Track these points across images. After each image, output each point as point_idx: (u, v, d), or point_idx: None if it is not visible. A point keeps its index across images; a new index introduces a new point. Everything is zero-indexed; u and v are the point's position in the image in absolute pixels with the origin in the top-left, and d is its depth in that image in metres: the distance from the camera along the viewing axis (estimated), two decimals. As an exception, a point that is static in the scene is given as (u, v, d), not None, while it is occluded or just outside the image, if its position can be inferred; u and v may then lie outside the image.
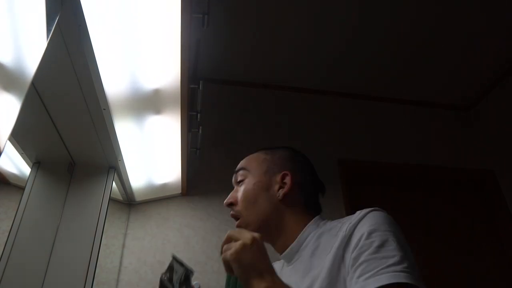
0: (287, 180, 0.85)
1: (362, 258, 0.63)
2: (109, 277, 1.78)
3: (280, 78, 2.64)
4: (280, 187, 0.85)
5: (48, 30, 0.82)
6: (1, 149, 0.68)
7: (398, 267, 0.60)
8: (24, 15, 0.76)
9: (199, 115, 1.65)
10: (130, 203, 2.03)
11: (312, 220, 0.83)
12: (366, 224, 0.69)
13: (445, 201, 2.48)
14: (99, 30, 1.02)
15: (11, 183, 1.45)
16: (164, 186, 1.98)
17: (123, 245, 1.91)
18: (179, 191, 2.07)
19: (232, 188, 0.92)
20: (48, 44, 0.82)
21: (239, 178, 0.89)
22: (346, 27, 2.24)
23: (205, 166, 2.22)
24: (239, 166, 0.92)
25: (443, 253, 2.27)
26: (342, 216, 0.78)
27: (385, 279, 0.59)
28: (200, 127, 1.72)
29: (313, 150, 2.45)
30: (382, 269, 0.60)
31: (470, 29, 2.24)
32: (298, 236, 0.80)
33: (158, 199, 2.07)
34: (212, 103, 2.44)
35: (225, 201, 0.88)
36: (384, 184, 2.46)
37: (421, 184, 2.52)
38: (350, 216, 0.75)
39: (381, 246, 0.63)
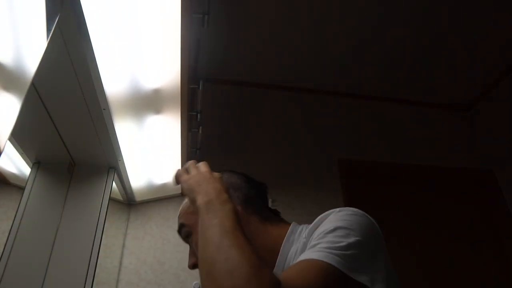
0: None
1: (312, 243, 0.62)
2: (109, 277, 1.78)
3: (280, 78, 2.64)
4: None
5: (48, 30, 0.82)
6: (1, 149, 0.68)
7: (336, 252, 0.56)
8: (24, 16, 0.76)
9: (199, 115, 1.65)
10: (130, 203, 2.03)
11: (285, 239, 0.73)
12: (324, 224, 0.65)
13: (445, 200, 2.48)
14: (99, 30, 1.02)
15: (11, 183, 1.45)
16: (164, 186, 1.98)
17: (123, 245, 1.91)
18: (179, 191, 2.07)
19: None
20: (48, 44, 0.82)
21: (185, 235, 0.80)
22: (346, 27, 2.24)
23: (205, 166, 2.22)
24: (179, 223, 0.81)
25: (442, 252, 2.27)
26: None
27: (316, 255, 0.56)
28: (200, 127, 1.72)
29: (313, 150, 2.47)
30: (321, 247, 0.58)
31: (470, 30, 2.24)
32: (277, 262, 0.71)
33: (158, 199, 2.07)
34: (212, 103, 2.44)
35: (189, 265, 0.78)
36: (384, 183, 2.47)
37: (420, 184, 2.52)
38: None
39: (332, 231, 0.60)
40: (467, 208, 2.48)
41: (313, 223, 0.68)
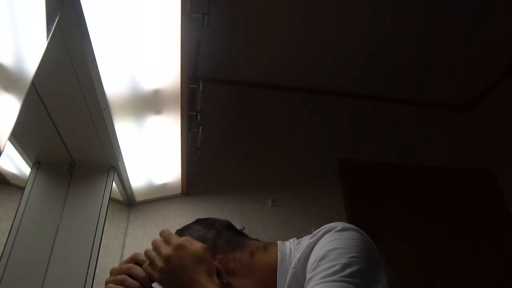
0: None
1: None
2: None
3: (280, 78, 2.64)
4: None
5: (48, 30, 0.82)
6: (1, 149, 0.68)
7: (334, 277, 0.54)
8: (24, 16, 0.76)
9: (199, 115, 1.65)
10: (130, 203, 2.03)
11: (278, 271, 0.68)
12: (316, 251, 0.61)
13: (445, 200, 2.48)
14: (99, 30, 1.02)
15: (11, 183, 1.45)
16: (164, 186, 1.98)
17: (123, 245, 1.91)
18: (179, 191, 2.07)
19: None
20: (48, 44, 0.82)
21: None
22: (345, 27, 2.24)
23: (205, 166, 2.22)
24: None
25: (442, 252, 2.27)
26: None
27: None
28: (200, 127, 1.72)
29: (313, 150, 2.47)
30: (318, 280, 0.55)
31: (470, 30, 2.24)
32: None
33: (158, 199, 2.07)
34: (212, 103, 2.44)
35: None
36: (384, 184, 2.47)
37: (421, 184, 2.52)
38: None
39: (323, 257, 0.58)
40: (467, 208, 2.48)
41: (303, 246, 0.65)
